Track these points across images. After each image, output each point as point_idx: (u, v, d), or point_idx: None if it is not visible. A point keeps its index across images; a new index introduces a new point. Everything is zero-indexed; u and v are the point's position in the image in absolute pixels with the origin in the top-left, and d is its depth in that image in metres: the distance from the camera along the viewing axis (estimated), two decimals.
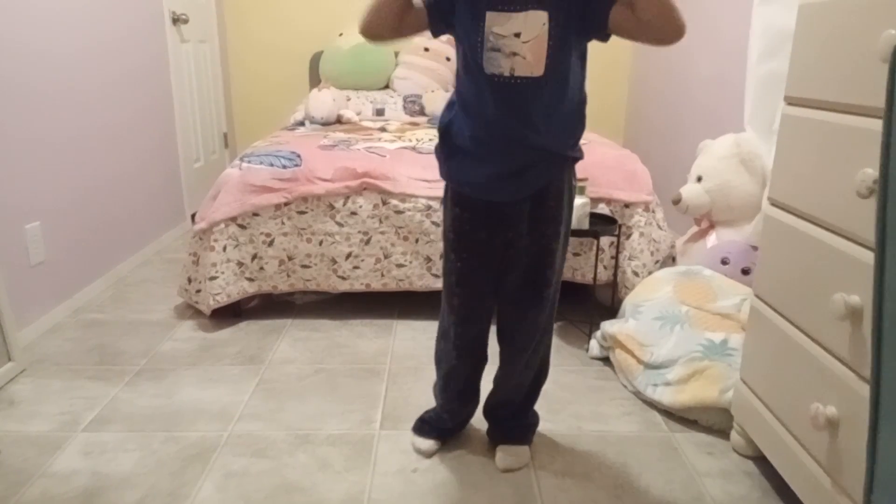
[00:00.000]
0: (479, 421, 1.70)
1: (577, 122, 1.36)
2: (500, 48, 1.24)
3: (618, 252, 2.31)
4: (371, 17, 1.27)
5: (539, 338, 1.50)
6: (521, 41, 1.22)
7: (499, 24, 1.23)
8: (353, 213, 2.29)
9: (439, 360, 1.60)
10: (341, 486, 1.50)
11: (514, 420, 1.60)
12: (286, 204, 2.28)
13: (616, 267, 2.31)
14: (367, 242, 2.32)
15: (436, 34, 1.33)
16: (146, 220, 3.06)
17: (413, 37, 1.38)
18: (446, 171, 1.41)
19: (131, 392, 1.89)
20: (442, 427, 1.64)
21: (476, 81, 1.29)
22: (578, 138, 1.38)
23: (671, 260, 2.47)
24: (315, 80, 3.82)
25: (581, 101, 1.34)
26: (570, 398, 1.89)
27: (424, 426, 1.65)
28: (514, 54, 1.23)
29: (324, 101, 3.20)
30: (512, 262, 1.41)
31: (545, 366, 1.58)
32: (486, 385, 1.65)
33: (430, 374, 2.00)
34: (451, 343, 1.52)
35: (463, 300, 1.46)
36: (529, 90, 1.26)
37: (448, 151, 1.39)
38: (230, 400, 1.86)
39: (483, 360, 1.58)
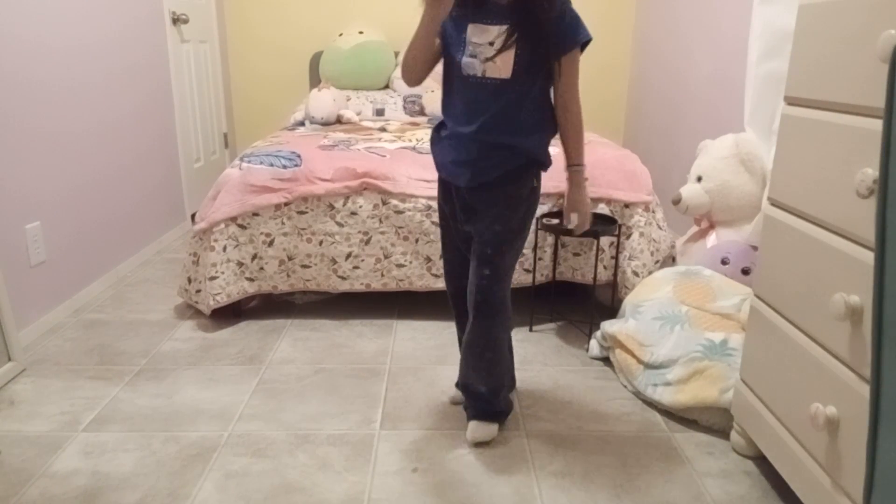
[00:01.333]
0: None
1: (538, 127, 1.53)
2: (476, 55, 1.48)
3: (618, 252, 2.31)
4: (414, 68, 1.52)
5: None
6: (494, 49, 1.45)
7: (477, 35, 1.47)
8: (353, 214, 2.30)
9: None
10: (341, 486, 1.50)
11: (486, 404, 1.68)
12: (286, 204, 2.28)
13: (616, 267, 2.32)
14: (367, 242, 2.32)
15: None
16: (146, 220, 3.06)
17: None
18: (432, 156, 1.66)
19: (131, 392, 1.89)
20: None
21: (454, 83, 1.53)
22: (539, 143, 1.55)
23: (671, 260, 2.48)
24: (315, 80, 3.82)
25: (543, 109, 1.53)
26: (570, 398, 1.89)
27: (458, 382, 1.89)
28: (487, 59, 1.46)
29: (324, 101, 3.20)
30: (470, 239, 1.62)
31: (501, 364, 1.67)
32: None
33: (430, 374, 2.01)
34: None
35: (444, 260, 1.78)
36: (496, 89, 1.48)
37: (435, 140, 1.65)
38: (230, 400, 1.86)
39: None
